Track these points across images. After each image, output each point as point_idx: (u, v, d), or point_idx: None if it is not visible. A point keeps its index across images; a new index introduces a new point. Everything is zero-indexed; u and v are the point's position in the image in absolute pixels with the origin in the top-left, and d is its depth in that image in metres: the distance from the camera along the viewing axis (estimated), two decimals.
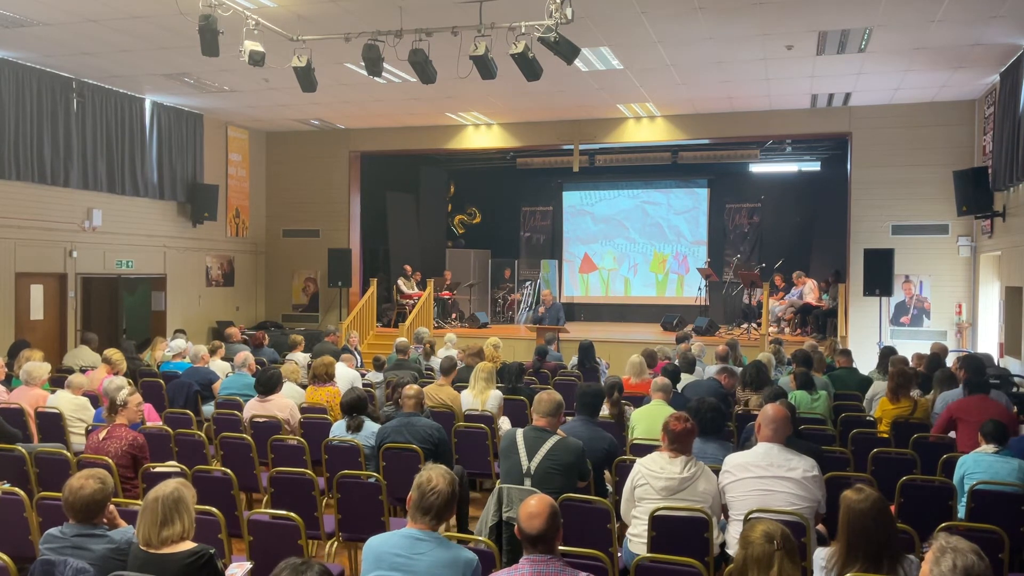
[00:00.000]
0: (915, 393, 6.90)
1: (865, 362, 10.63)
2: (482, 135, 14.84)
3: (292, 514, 4.02)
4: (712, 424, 4.97)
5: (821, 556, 3.22)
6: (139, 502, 3.48)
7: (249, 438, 5.78)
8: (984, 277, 11.96)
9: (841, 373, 8.32)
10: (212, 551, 3.28)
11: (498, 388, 7.18)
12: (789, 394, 6.74)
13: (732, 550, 4.05)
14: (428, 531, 3.17)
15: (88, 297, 12.08)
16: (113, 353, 8.12)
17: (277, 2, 8.15)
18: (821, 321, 13.12)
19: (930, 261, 12.58)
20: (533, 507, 3.00)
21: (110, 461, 4.86)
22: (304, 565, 2.54)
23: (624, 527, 4.48)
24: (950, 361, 8.58)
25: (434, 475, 3.23)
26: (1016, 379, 8.71)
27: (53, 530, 3.49)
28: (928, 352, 8.75)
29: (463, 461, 6.12)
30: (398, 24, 8.19)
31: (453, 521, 5.54)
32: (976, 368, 6.69)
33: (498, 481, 4.69)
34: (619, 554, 4.31)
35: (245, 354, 8.08)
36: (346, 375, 7.98)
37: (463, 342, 10.44)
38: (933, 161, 12.43)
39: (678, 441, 4.26)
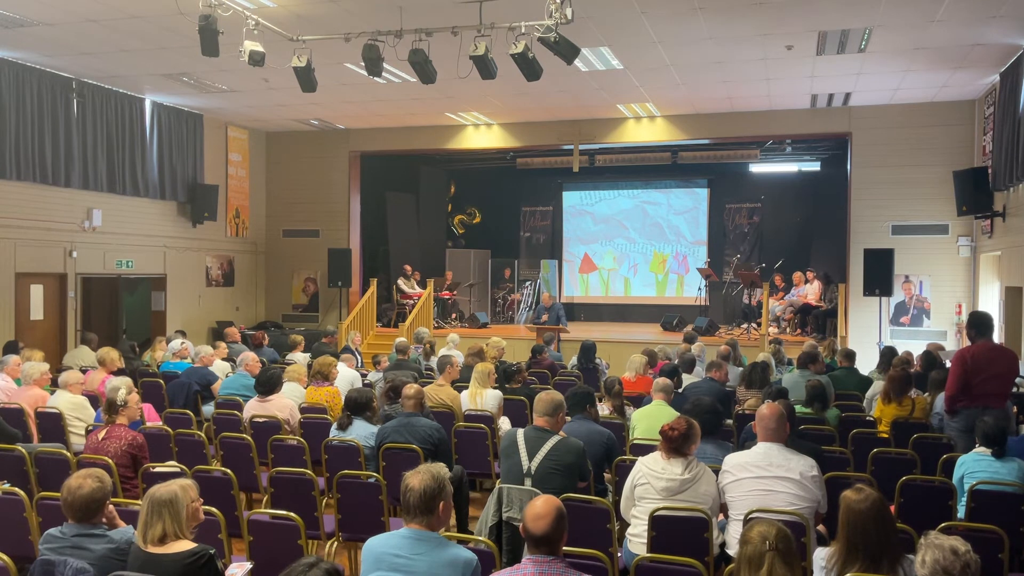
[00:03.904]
0: (913, 392, 6.90)
1: (865, 362, 10.62)
2: (482, 135, 14.84)
3: (292, 514, 4.02)
4: (707, 426, 4.96)
5: (821, 556, 3.22)
6: (139, 502, 3.48)
7: (249, 438, 5.78)
8: (984, 277, 11.97)
9: (841, 373, 8.32)
10: (212, 551, 3.27)
11: (495, 388, 7.18)
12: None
13: (732, 550, 4.06)
14: (427, 531, 3.17)
15: (88, 297, 12.08)
16: (106, 352, 8.15)
17: (277, 2, 8.15)
18: (821, 321, 13.12)
19: (930, 261, 12.58)
20: (539, 508, 3.00)
21: (110, 461, 4.86)
22: (314, 562, 2.55)
23: (624, 527, 4.48)
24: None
25: (409, 473, 3.24)
26: (1016, 379, 8.70)
27: (53, 530, 3.49)
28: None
29: (463, 461, 6.12)
30: (398, 24, 8.19)
31: (453, 521, 5.54)
32: (978, 318, 6.63)
33: (498, 481, 4.69)
34: (619, 554, 4.31)
35: (251, 354, 8.07)
36: (346, 375, 7.99)
37: (466, 342, 10.43)
38: (933, 161, 12.43)
39: (674, 446, 4.25)
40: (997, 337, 10.81)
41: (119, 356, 8.18)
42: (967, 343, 6.65)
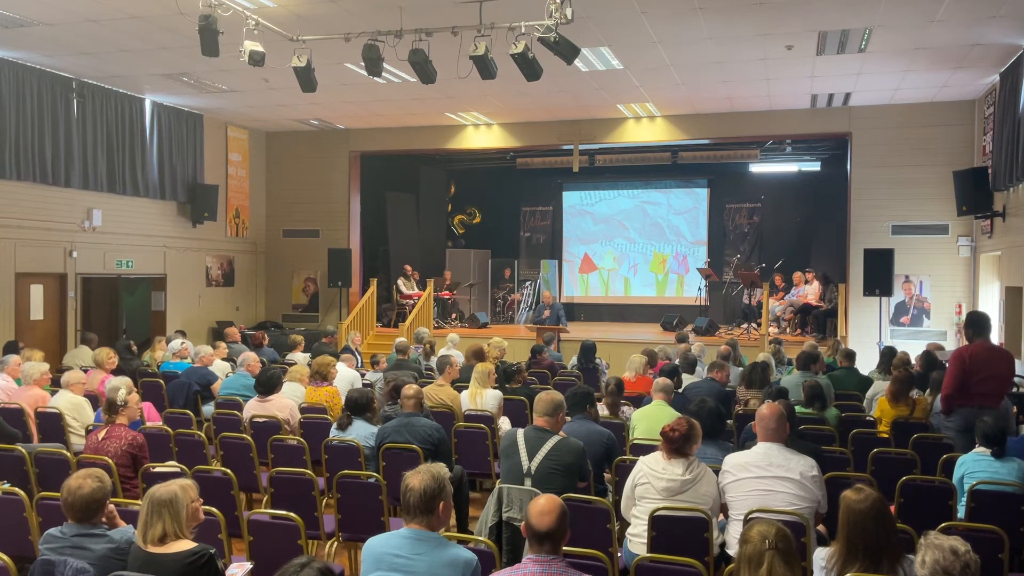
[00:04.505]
0: (914, 393, 6.90)
1: (865, 362, 10.62)
2: (482, 135, 14.84)
3: (292, 514, 4.02)
4: (711, 429, 4.97)
5: (821, 556, 3.22)
6: (139, 502, 3.48)
7: (249, 438, 5.78)
8: (984, 277, 11.97)
9: (840, 373, 8.32)
10: (212, 551, 3.27)
11: (495, 388, 7.18)
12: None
13: (732, 550, 4.06)
14: (427, 531, 3.17)
15: (88, 297, 12.08)
16: (99, 353, 8.18)
17: (277, 2, 8.15)
18: (821, 321, 13.12)
19: (930, 261, 12.58)
20: (544, 504, 3.01)
21: (110, 461, 4.86)
22: (306, 562, 2.56)
23: (624, 527, 4.48)
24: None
25: (409, 473, 3.24)
26: (1016, 379, 8.69)
27: (53, 530, 3.49)
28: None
29: (463, 461, 6.12)
30: (398, 24, 8.19)
31: (453, 521, 5.54)
32: (976, 318, 6.62)
33: (498, 481, 4.69)
34: (619, 554, 4.31)
35: (248, 354, 8.07)
36: (346, 375, 7.99)
37: (466, 342, 10.43)
38: (933, 161, 12.43)
39: (676, 447, 4.25)
40: (997, 337, 10.83)
41: (110, 355, 8.19)
42: (967, 343, 6.64)
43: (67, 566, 3.17)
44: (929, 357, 8.32)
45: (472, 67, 8.01)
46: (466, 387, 7.17)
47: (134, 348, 10.78)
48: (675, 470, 4.21)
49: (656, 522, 4.04)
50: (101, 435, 5.15)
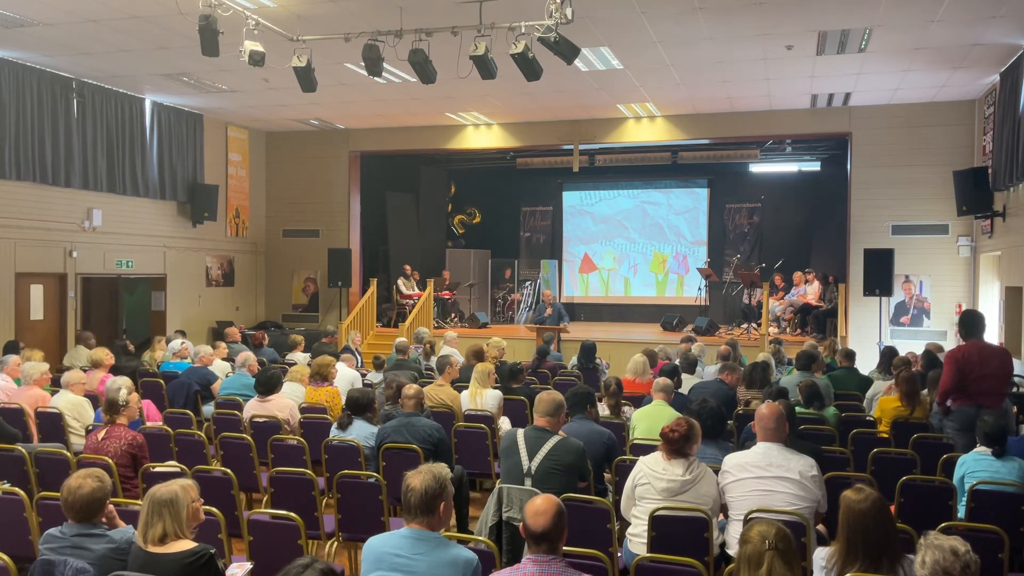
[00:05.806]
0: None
1: (865, 362, 10.62)
2: (482, 135, 14.84)
3: (292, 514, 4.02)
4: (712, 430, 4.97)
5: (821, 556, 3.22)
6: (139, 502, 3.48)
7: (249, 438, 5.78)
8: (984, 277, 11.97)
9: (841, 373, 8.32)
10: (212, 551, 3.27)
11: (495, 388, 7.18)
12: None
13: (732, 550, 4.06)
14: (428, 531, 3.17)
15: (88, 297, 12.08)
16: (95, 352, 8.18)
17: (277, 2, 8.15)
18: (821, 321, 13.13)
19: (930, 261, 12.58)
20: (539, 505, 3.01)
21: (110, 461, 4.86)
22: (309, 563, 2.56)
23: (624, 527, 4.48)
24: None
25: (411, 473, 3.24)
26: (1016, 379, 8.69)
27: (53, 530, 3.49)
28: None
29: (463, 461, 6.12)
30: (398, 24, 8.19)
31: (453, 521, 5.54)
32: (966, 318, 6.61)
33: (498, 481, 4.69)
34: (619, 554, 4.31)
35: (248, 354, 8.07)
36: (346, 375, 7.99)
37: (466, 342, 10.42)
38: (933, 161, 12.44)
39: (675, 448, 4.25)
40: (997, 337, 10.83)
41: (107, 355, 8.20)
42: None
43: (67, 566, 3.17)
44: (929, 356, 8.33)
45: (472, 67, 8.01)
46: (466, 387, 7.17)
47: (131, 348, 10.77)
48: (675, 470, 4.20)
49: (656, 522, 4.04)
50: (101, 435, 5.15)
